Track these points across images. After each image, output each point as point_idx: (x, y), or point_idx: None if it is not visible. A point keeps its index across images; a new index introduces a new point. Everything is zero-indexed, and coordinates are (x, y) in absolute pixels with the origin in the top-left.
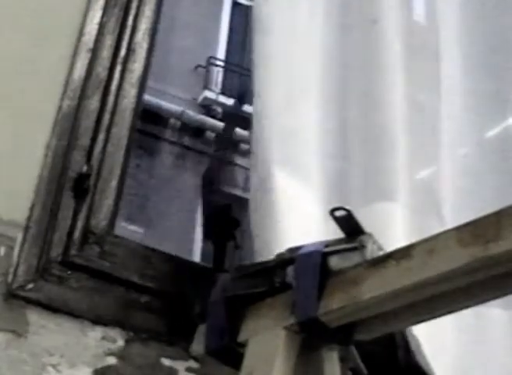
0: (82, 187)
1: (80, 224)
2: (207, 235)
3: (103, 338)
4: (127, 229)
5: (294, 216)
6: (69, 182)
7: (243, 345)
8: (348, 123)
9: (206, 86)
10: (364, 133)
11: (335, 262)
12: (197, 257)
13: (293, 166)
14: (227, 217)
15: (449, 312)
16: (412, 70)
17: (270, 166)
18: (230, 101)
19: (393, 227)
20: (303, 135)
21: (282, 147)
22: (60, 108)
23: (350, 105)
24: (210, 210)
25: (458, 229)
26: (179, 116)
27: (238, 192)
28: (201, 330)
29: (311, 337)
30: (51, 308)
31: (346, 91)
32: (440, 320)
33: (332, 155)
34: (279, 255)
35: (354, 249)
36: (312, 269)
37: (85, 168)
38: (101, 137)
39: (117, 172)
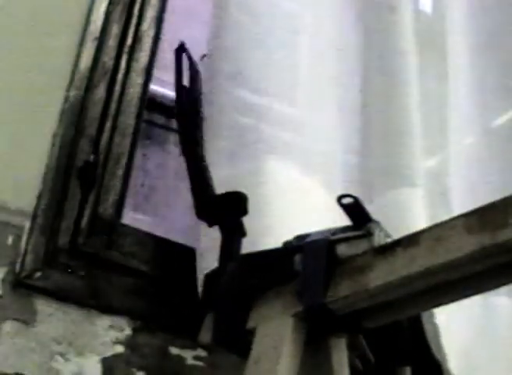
0: (89, 176)
1: (87, 213)
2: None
3: (111, 327)
4: (134, 218)
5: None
6: (76, 171)
7: (251, 333)
8: (366, 116)
9: None
10: (383, 122)
11: (342, 249)
12: None
13: (304, 158)
14: (235, 205)
15: (457, 299)
16: (420, 59)
17: (267, 157)
18: None
19: (414, 211)
20: (318, 127)
21: (291, 138)
22: (67, 97)
23: (368, 94)
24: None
25: (466, 216)
26: None
27: None
28: (209, 318)
29: (318, 324)
30: (58, 296)
31: (364, 82)
32: (447, 308)
33: (350, 147)
34: (287, 243)
35: (361, 237)
36: (319, 256)
37: (92, 157)
38: (108, 126)
39: (124, 161)
